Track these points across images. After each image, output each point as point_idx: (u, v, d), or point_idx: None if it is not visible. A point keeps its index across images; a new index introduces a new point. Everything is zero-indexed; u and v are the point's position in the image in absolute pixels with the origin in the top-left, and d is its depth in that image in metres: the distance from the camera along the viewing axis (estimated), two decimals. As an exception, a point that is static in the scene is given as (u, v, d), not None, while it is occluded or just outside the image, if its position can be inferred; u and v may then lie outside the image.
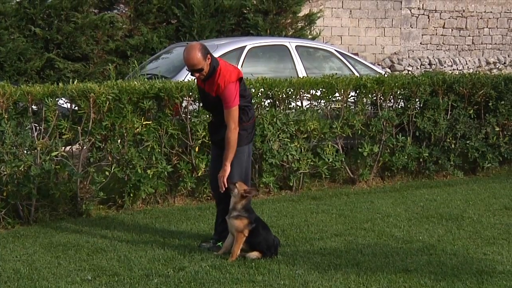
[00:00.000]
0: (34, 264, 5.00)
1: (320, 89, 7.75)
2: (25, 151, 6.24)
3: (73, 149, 6.81)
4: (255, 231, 5.10)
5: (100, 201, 6.77)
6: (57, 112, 6.48)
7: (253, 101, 6.88)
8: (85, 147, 6.65)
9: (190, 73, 5.33)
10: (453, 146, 8.42)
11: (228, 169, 5.15)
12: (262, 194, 7.48)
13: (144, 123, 6.85)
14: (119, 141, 6.71)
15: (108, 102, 6.61)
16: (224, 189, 5.13)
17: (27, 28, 11.62)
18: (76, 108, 6.65)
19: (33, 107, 6.46)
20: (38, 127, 6.47)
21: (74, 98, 6.58)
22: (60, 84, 6.72)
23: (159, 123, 6.92)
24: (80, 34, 11.88)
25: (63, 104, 6.81)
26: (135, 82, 6.98)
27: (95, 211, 6.69)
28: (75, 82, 6.77)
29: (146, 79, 7.42)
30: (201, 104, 6.53)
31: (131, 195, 6.82)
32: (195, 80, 5.72)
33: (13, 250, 5.40)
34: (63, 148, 6.57)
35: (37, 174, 6.19)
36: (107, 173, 6.69)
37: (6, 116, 6.13)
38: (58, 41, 11.82)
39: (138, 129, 6.81)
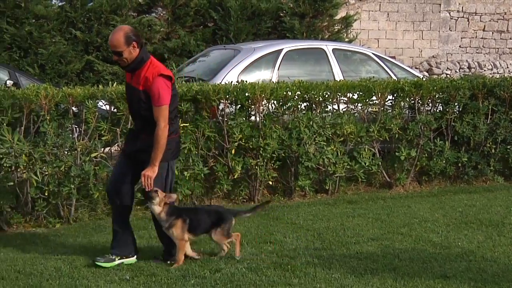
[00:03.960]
0: (74, 263, 5.09)
1: (357, 93, 7.72)
2: (66, 152, 6.36)
3: (112, 150, 6.91)
4: (196, 218, 5.10)
5: (137, 202, 6.84)
6: (96, 113, 6.59)
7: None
8: (123, 149, 6.74)
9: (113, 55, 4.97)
10: (493, 151, 8.29)
11: (156, 169, 4.83)
12: (298, 197, 7.48)
13: (181, 125, 6.91)
14: (156, 143, 6.77)
15: (146, 104, 6.69)
16: (148, 188, 4.85)
17: (68, 32, 11.88)
18: (115, 110, 6.76)
19: (74, 108, 6.58)
20: (78, 129, 6.59)
21: (113, 100, 6.69)
22: (100, 86, 6.84)
23: (196, 125, 6.98)
24: (119, 37, 12.04)
25: (102, 106, 6.92)
26: (173, 85, 7.04)
27: (133, 212, 6.73)
28: (114, 84, 6.88)
29: (183, 82, 7.50)
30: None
31: (168, 196, 6.88)
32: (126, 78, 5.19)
33: (54, 249, 5.51)
34: (102, 149, 6.68)
35: (77, 174, 6.31)
36: (144, 174, 6.76)
37: (48, 118, 6.27)
38: (98, 44, 12.05)
39: (175, 131, 6.86)
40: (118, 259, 5.03)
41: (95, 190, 6.49)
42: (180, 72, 9.03)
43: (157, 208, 4.95)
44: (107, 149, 6.84)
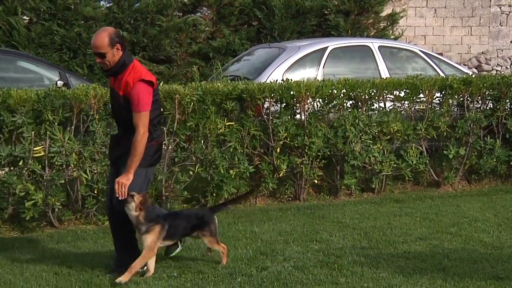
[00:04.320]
0: (123, 260, 5.17)
1: (404, 90, 7.62)
2: (114, 151, 6.46)
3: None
4: (175, 224, 4.92)
5: (184, 200, 6.93)
6: (144, 113, 6.67)
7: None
8: (170, 147, 6.82)
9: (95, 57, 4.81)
10: (546, 149, 8.07)
11: (131, 177, 4.62)
12: (344, 196, 7.44)
13: (227, 124, 6.97)
14: (202, 141, 6.85)
15: (192, 103, 6.77)
16: (122, 197, 4.64)
17: (115, 32, 12.05)
18: (162, 109, 6.84)
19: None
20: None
21: (160, 99, 6.76)
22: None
23: (241, 124, 7.01)
24: (164, 37, 12.22)
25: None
26: (219, 84, 7.10)
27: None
28: (160, 84, 6.97)
29: (229, 81, 7.54)
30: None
31: (214, 194, 6.94)
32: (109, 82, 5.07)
33: (104, 246, 5.62)
34: (149, 148, 6.76)
35: (125, 173, 6.40)
36: (191, 172, 6.84)
37: (97, 117, 6.38)
38: (144, 44, 12.21)
39: (221, 130, 6.92)
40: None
41: (143, 188, 6.56)
42: (225, 71, 9.09)
43: (133, 213, 4.73)
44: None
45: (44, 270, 4.94)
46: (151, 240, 4.73)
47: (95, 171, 6.37)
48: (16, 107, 6.05)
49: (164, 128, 6.69)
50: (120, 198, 4.65)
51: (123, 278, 4.59)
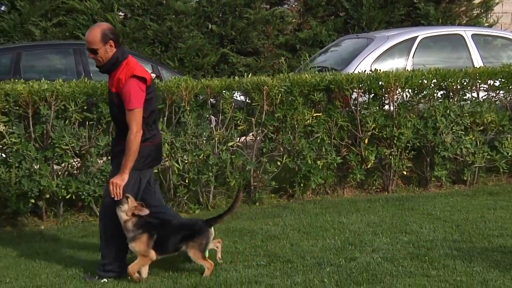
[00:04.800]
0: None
1: (499, 79, 7.32)
2: (204, 141, 6.60)
3: (247, 140, 7.08)
4: (164, 234, 4.61)
5: (272, 190, 6.98)
6: (233, 104, 6.77)
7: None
8: (258, 138, 6.89)
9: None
10: None
11: (126, 177, 4.45)
12: (434, 188, 7.25)
13: (314, 114, 6.94)
14: (290, 132, 6.87)
15: (280, 94, 6.79)
16: (117, 197, 4.48)
17: (204, 26, 12.28)
18: (250, 100, 6.91)
19: (211, 99, 6.80)
20: (215, 119, 6.81)
21: (248, 90, 6.83)
22: (236, 78, 7.01)
23: (329, 114, 6.97)
24: (252, 30, 12.31)
25: (237, 97, 7.10)
26: (306, 75, 7.08)
27: (267, 200, 6.91)
28: (249, 76, 7.03)
29: (316, 72, 7.50)
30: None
31: (302, 185, 6.95)
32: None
33: (194, 233, 5.75)
34: (238, 138, 6.86)
35: (215, 163, 6.53)
36: (278, 163, 6.88)
37: (188, 108, 6.52)
38: (232, 37, 12.34)
39: (308, 121, 6.91)
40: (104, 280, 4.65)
41: (232, 178, 6.67)
42: (312, 62, 9.06)
43: (124, 216, 4.52)
44: (242, 138, 7.02)
45: (139, 255, 5.11)
46: (141, 247, 4.53)
47: (186, 161, 6.52)
48: (112, 99, 6.26)
49: (253, 119, 6.75)
50: (115, 199, 4.49)
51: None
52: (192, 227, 4.71)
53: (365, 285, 4.28)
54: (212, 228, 4.75)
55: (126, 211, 4.51)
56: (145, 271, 4.60)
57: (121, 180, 4.46)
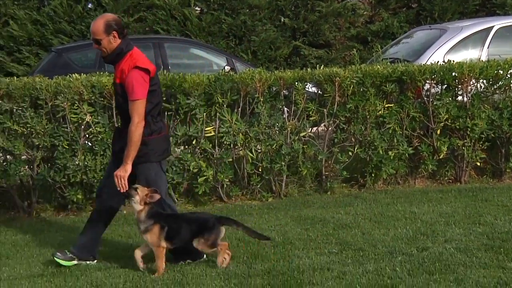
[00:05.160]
0: (287, 235, 5.29)
1: None
2: (277, 131, 6.61)
3: (319, 130, 7.04)
4: (175, 228, 4.51)
5: (343, 179, 6.92)
6: (305, 95, 6.75)
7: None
8: (330, 129, 6.84)
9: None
10: None
11: (129, 168, 4.38)
12: (509, 179, 7.02)
13: (386, 105, 6.83)
14: (361, 123, 6.78)
15: (352, 85, 6.71)
16: (123, 190, 4.41)
17: (277, 19, 12.29)
18: (322, 92, 6.86)
19: (284, 91, 6.80)
20: (288, 110, 6.81)
21: (320, 82, 6.79)
22: (308, 69, 6.98)
23: (400, 105, 6.84)
24: (324, 22, 12.22)
25: (309, 88, 7.07)
26: (378, 66, 6.96)
27: (339, 189, 6.86)
28: (321, 67, 6.98)
29: (388, 63, 7.36)
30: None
31: (373, 175, 6.86)
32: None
33: (268, 220, 5.78)
34: (310, 129, 6.83)
35: (287, 152, 6.53)
36: (350, 153, 6.81)
37: (262, 99, 6.55)
38: (304, 30, 12.30)
39: (380, 112, 6.80)
40: (77, 260, 4.70)
41: (304, 168, 6.66)
42: (384, 54, 8.89)
43: (137, 207, 4.45)
44: (314, 128, 6.99)
45: (215, 240, 5.18)
46: (152, 239, 4.46)
47: (260, 150, 6.55)
48: (190, 90, 6.37)
49: (325, 110, 6.70)
50: (122, 191, 4.43)
51: (156, 275, 4.43)
52: (205, 223, 4.56)
53: (438, 275, 4.18)
54: (223, 227, 4.59)
55: (139, 202, 4.43)
56: (138, 258, 4.54)
57: (124, 172, 4.39)
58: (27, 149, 6.10)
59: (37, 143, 6.07)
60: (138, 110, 4.37)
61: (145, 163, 4.49)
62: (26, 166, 6.15)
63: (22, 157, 6.14)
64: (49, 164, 6.20)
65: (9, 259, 4.96)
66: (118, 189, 4.41)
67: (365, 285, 4.08)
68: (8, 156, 6.14)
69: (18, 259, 4.94)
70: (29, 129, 6.02)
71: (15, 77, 6.42)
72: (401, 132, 6.84)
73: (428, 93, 6.85)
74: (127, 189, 4.41)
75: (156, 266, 4.49)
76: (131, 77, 4.39)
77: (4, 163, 6.11)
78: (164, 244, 4.48)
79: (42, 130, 6.00)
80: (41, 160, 6.16)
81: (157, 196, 4.45)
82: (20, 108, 6.05)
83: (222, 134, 6.41)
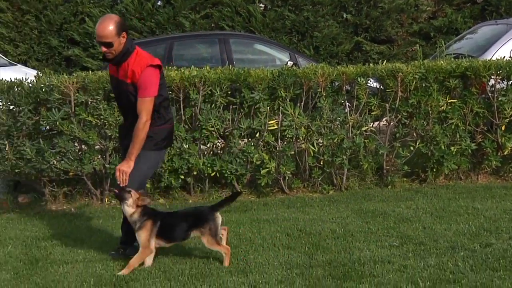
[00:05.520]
0: (348, 227, 5.23)
1: None
2: (339, 126, 6.54)
3: (381, 125, 6.92)
4: (170, 223, 4.46)
5: (404, 174, 6.79)
6: (367, 90, 6.64)
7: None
8: (391, 123, 6.71)
9: (99, 46, 4.48)
10: None
11: (132, 164, 4.34)
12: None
13: (449, 101, 6.64)
14: (424, 118, 6.62)
15: (415, 81, 6.56)
16: (123, 184, 4.36)
17: (339, 15, 12.15)
18: (383, 87, 6.74)
19: (346, 86, 6.72)
20: (349, 105, 6.72)
21: (383, 77, 6.67)
22: (371, 65, 6.86)
23: (464, 101, 6.64)
24: (386, 18, 12.00)
25: (371, 83, 6.95)
26: (442, 62, 6.78)
27: (399, 183, 6.73)
28: (384, 63, 6.85)
29: (452, 59, 7.16)
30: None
31: (434, 170, 6.70)
32: (108, 69, 4.74)
33: (329, 213, 5.73)
34: (371, 123, 6.73)
35: (349, 146, 6.45)
36: (411, 148, 6.67)
37: (324, 94, 6.49)
38: (366, 26, 12.12)
39: (443, 107, 6.63)
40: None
41: (365, 161, 6.57)
42: (447, 49, 8.66)
43: (129, 210, 4.41)
44: (376, 123, 6.87)
45: (278, 231, 5.19)
46: (144, 237, 4.38)
47: (322, 144, 6.50)
48: (254, 84, 6.38)
49: (387, 105, 6.58)
50: (115, 193, 4.47)
51: (123, 272, 4.35)
52: (198, 214, 4.52)
53: (502, 272, 4.04)
54: (218, 213, 4.50)
55: (132, 205, 4.40)
56: (149, 260, 4.47)
57: (127, 167, 4.35)
58: (100, 139, 6.26)
59: (109, 134, 6.22)
60: (148, 107, 4.33)
61: (144, 150, 4.40)
62: (99, 156, 6.32)
63: (96, 147, 6.31)
64: (120, 154, 6.35)
65: (84, 242, 5.11)
66: (118, 183, 4.38)
67: (427, 279, 3.99)
68: (83, 146, 6.32)
69: (92, 243, 5.09)
70: (102, 120, 6.17)
71: (90, 71, 6.60)
72: (464, 128, 6.64)
73: (493, 88, 6.61)
74: (122, 187, 4.37)
75: (130, 261, 4.38)
76: (145, 76, 4.33)
77: (80, 153, 6.29)
78: (152, 246, 4.41)
79: (114, 121, 6.14)
80: (113, 150, 6.31)
81: (148, 200, 4.47)
82: (94, 101, 6.21)
83: (284, 128, 6.39)
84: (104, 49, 4.36)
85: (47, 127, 6.27)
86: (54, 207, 6.33)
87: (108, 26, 4.31)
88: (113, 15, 4.56)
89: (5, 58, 9.82)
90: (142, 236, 4.39)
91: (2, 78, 6.38)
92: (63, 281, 4.26)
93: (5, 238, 5.31)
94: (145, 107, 4.33)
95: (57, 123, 6.09)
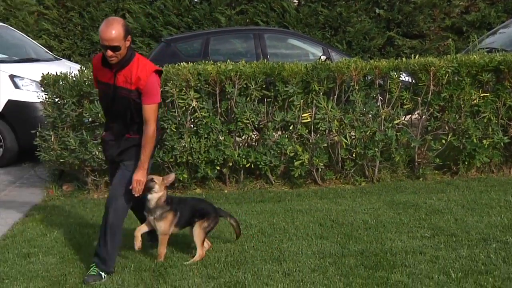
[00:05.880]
0: (379, 218, 5.19)
1: None
2: (371, 119, 6.47)
3: (413, 118, 6.83)
4: (184, 213, 4.40)
5: (435, 166, 6.69)
6: (400, 84, 6.56)
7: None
8: (423, 117, 6.62)
9: (103, 50, 4.06)
10: None
11: (145, 173, 4.15)
12: None
13: (481, 95, 6.51)
14: (456, 111, 6.51)
15: (447, 75, 6.45)
16: (138, 194, 4.16)
17: (372, 10, 12.01)
18: (415, 81, 6.64)
19: (379, 80, 6.64)
20: (382, 98, 6.64)
21: (415, 71, 6.57)
22: (403, 59, 6.77)
23: (497, 95, 6.51)
24: (418, 13, 11.82)
25: (403, 77, 6.86)
26: (474, 56, 6.64)
27: (431, 176, 6.63)
28: (416, 57, 6.75)
29: (485, 53, 7.01)
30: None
31: (466, 163, 6.59)
32: (93, 74, 4.40)
33: (361, 204, 5.70)
34: (403, 117, 6.65)
35: (381, 139, 6.39)
36: (443, 141, 6.57)
37: (357, 88, 6.43)
38: (398, 21, 11.96)
39: (475, 101, 6.51)
40: (105, 276, 4.22)
41: (397, 154, 6.50)
42: (480, 44, 8.48)
43: (157, 195, 4.31)
44: (408, 117, 6.78)
45: (311, 221, 5.18)
46: (165, 227, 4.34)
47: (354, 137, 6.45)
48: (288, 78, 6.36)
49: (419, 98, 6.49)
50: (136, 195, 4.17)
51: (159, 259, 4.38)
52: (206, 207, 4.54)
53: (534, 264, 3.96)
54: (219, 218, 4.55)
55: (159, 189, 4.30)
56: (138, 239, 4.37)
57: (143, 177, 4.15)
58: (140, 131, 6.32)
59: (148, 126, 6.28)
60: (155, 114, 4.11)
61: (133, 160, 4.20)
62: (139, 147, 6.38)
63: (136, 138, 6.38)
64: (158, 146, 6.41)
65: (124, 230, 5.17)
66: (133, 193, 4.16)
67: (459, 270, 3.93)
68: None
69: (132, 231, 5.09)
70: (142, 112, 6.23)
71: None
72: (496, 121, 6.52)
73: (527, 83, 6.46)
74: (140, 194, 4.19)
75: (159, 251, 4.41)
76: (152, 82, 4.09)
77: (120, 143, 6.36)
78: (171, 231, 4.40)
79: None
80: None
81: (172, 176, 4.45)
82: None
83: (318, 120, 6.37)
84: (110, 53, 4.02)
85: (90, 119, 6.37)
86: (96, 196, 6.45)
87: (116, 29, 4.00)
88: (118, 18, 4.22)
89: (51, 53, 10.00)
90: (164, 225, 4.33)
91: (48, 72, 6.51)
92: (105, 266, 4.33)
93: (51, 224, 5.43)
94: (153, 114, 4.10)
95: (99, 115, 6.19)
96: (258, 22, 11.86)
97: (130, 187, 4.14)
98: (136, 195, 4.15)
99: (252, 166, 6.43)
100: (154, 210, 4.32)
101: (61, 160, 6.40)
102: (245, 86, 6.37)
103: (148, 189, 4.25)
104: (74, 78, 6.36)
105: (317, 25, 11.86)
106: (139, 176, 4.13)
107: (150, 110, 4.09)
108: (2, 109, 7.85)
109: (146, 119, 4.10)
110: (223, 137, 6.33)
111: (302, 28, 11.75)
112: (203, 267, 4.26)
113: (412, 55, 7.09)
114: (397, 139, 6.51)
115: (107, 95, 4.22)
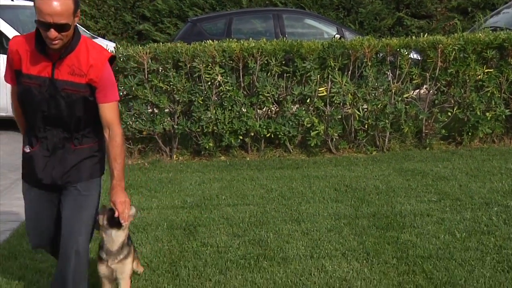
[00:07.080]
0: (390, 184, 5.18)
1: None
2: (382, 93, 6.41)
3: (421, 92, 6.75)
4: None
5: (441, 137, 6.63)
6: (409, 61, 6.47)
7: None
8: (431, 91, 6.53)
9: (42, 29, 2.59)
10: None
11: (125, 192, 2.82)
12: None
13: (486, 70, 6.40)
14: (461, 86, 6.41)
15: (454, 52, 6.34)
16: (126, 221, 2.82)
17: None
18: (423, 58, 6.54)
19: (390, 57, 6.55)
20: (392, 74, 6.56)
21: (424, 49, 6.47)
22: (413, 37, 6.66)
23: (500, 71, 6.39)
24: (426, -5, 11.58)
25: (412, 55, 6.76)
26: (480, 34, 6.51)
27: (437, 146, 6.58)
28: (425, 35, 6.63)
29: (489, 31, 6.86)
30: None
31: (470, 134, 6.51)
32: (10, 64, 2.79)
33: (372, 171, 5.68)
34: (412, 91, 6.57)
35: (391, 112, 6.34)
36: (449, 113, 6.49)
37: (369, 64, 6.36)
38: (407, 2, 11.74)
39: (479, 76, 6.40)
40: None
41: (406, 125, 6.44)
42: (485, 23, 8.31)
43: (123, 233, 2.94)
44: (416, 91, 6.71)
45: (326, 186, 5.19)
46: (131, 266, 3.04)
47: (366, 109, 6.40)
48: (306, 55, 6.30)
49: (427, 74, 6.41)
50: (122, 222, 2.81)
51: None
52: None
53: (533, 226, 3.94)
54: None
55: (125, 226, 2.92)
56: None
57: (127, 196, 2.82)
58: (170, 103, 6.34)
59: (177, 98, 6.30)
60: (118, 114, 2.81)
61: (97, 178, 2.91)
62: (169, 118, 6.41)
63: (166, 110, 6.40)
64: (186, 117, 6.44)
65: (157, 192, 5.24)
66: (121, 221, 2.80)
67: (463, 231, 3.93)
68: (154, 109, 6.42)
69: (164, 193, 5.22)
70: (171, 86, 6.24)
71: (160, 43, 6.66)
72: (499, 95, 6.41)
73: (529, 59, 6.33)
74: (126, 221, 2.83)
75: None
76: (108, 73, 2.76)
77: (152, 115, 6.40)
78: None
79: (182, 87, 6.20)
80: (180, 113, 6.39)
81: (134, 208, 2.93)
82: (164, 69, 6.28)
83: (333, 94, 6.32)
84: (54, 33, 2.58)
85: (124, 92, 6.39)
86: (130, 162, 6.50)
87: (67, 2, 2.58)
88: None
89: (88, 32, 10.01)
90: (130, 265, 3.02)
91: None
92: (141, 225, 4.40)
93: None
94: (117, 114, 2.79)
95: (133, 88, 6.20)
96: (277, 3, 11.71)
97: (97, 217, 2.88)
98: (123, 223, 2.83)
99: (272, 136, 6.42)
100: (119, 251, 2.94)
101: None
102: (266, 62, 6.32)
103: (115, 224, 2.86)
104: (110, 55, 6.36)
105: (331, 6, 11.68)
106: (123, 197, 2.79)
107: (112, 109, 2.78)
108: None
109: (109, 122, 2.77)
110: (245, 109, 6.32)
111: (317, 9, 11.59)
112: (229, 226, 4.30)
113: (421, 34, 6.98)
114: (406, 111, 6.45)
115: (38, 94, 2.73)
